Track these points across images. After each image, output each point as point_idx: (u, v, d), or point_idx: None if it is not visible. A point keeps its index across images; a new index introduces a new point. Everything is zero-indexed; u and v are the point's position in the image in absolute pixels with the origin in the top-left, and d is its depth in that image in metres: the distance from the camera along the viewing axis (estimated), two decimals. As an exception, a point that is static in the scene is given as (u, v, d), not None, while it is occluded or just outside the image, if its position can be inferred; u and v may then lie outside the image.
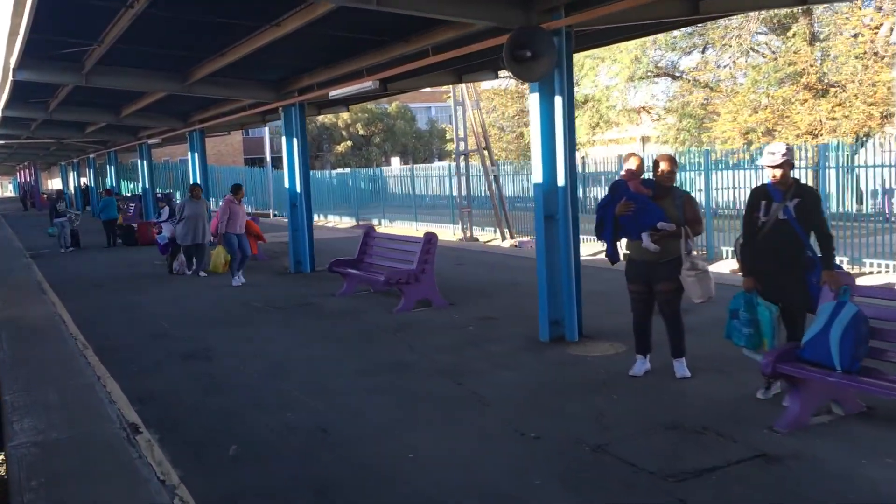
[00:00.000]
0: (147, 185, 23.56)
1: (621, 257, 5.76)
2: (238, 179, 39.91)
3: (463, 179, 23.67)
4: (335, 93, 10.32)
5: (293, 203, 12.56)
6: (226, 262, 12.05)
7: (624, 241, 5.78)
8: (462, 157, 23.40)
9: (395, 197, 30.44)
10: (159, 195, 24.57)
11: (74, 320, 9.68)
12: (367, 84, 9.38)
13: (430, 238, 8.91)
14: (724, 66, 21.46)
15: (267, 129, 36.33)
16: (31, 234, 25.25)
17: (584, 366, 6.17)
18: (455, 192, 26.10)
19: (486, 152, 22.60)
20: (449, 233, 25.32)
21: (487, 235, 23.90)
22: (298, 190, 12.47)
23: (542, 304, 6.90)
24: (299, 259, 12.56)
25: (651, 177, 5.66)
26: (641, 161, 5.68)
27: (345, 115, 52.31)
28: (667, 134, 24.29)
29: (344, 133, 53.50)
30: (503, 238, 21.89)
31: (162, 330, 8.81)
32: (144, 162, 23.43)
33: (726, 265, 15.05)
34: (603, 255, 7.00)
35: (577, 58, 24.30)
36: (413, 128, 56.69)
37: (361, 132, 53.33)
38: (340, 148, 52.82)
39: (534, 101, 6.79)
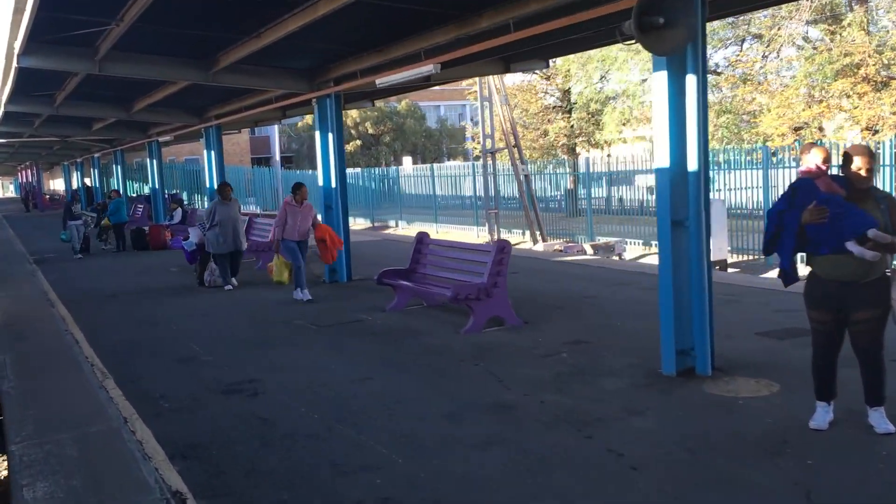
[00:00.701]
0: (157, 186, 22.32)
1: (800, 277, 4.50)
2: (244, 178, 38.72)
3: (490, 178, 22.44)
4: (385, 80, 9.07)
5: (328, 205, 11.31)
6: (288, 273, 10.29)
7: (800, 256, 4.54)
8: (489, 155, 22.16)
9: (411, 198, 29.16)
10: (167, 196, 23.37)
11: (88, 340, 8.45)
12: (426, 68, 8.13)
13: (504, 246, 7.67)
14: (772, 58, 20.19)
15: (276, 127, 35.25)
16: (35, 237, 24.04)
17: (740, 412, 4.91)
18: (479, 193, 24.93)
19: (515, 150, 21.36)
20: (472, 235, 24.07)
21: (515, 238, 22.66)
22: (334, 191, 11.23)
23: (667, 329, 5.65)
24: (334, 267, 11.31)
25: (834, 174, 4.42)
26: (828, 153, 4.43)
27: (353, 114, 51.11)
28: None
29: (353, 132, 52.24)
30: (534, 241, 20.66)
31: (191, 353, 7.57)
32: (154, 161, 22.20)
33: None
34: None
35: (609, 50, 23.08)
36: (423, 126, 55.44)
37: (371, 131, 52.09)
38: (349, 147, 51.50)
39: (659, 81, 5.54)
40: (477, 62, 10.87)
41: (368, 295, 10.11)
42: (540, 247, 19.92)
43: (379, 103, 51.71)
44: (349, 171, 35.97)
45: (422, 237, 9.12)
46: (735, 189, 16.51)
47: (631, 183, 21.90)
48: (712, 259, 15.08)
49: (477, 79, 22.24)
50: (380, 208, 29.70)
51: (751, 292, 9.23)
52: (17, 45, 9.26)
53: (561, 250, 17.03)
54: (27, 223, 32.68)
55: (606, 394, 5.43)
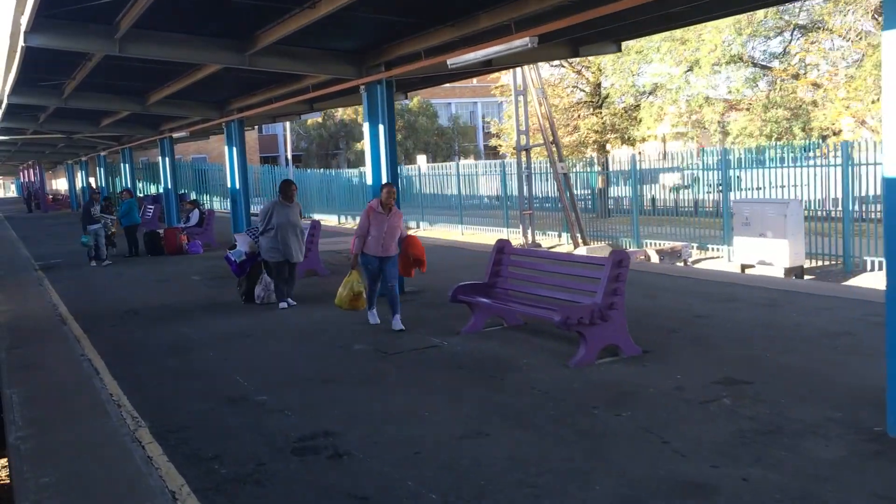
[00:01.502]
0: (169, 185, 20.93)
1: None
2: (251, 178, 37.28)
3: (524, 177, 21.03)
4: (461, 59, 7.65)
5: (378, 207, 9.90)
6: (355, 296, 7.96)
7: None
8: (523, 153, 20.76)
9: (432, 198, 27.73)
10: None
11: (111, 369, 7.07)
12: (520, 42, 6.71)
13: (621, 259, 6.26)
14: (832, 47, 18.77)
15: (288, 125, 33.85)
16: (39, 240, 22.64)
17: None
18: (508, 192, 23.54)
19: (553, 147, 19.95)
20: (501, 237, 22.75)
21: (550, 240, 21.26)
22: (385, 190, 9.83)
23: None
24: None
25: None
26: None
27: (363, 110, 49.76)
28: (747, 128, 21.57)
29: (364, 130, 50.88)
30: (575, 244, 19.26)
31: (240, 390, 6.18)
32: (166, 159, 20.81)
33: (871, 279, 12.44)
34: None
35: (649, 40, 21.66)
36: (435, 125, 54.00)
37: (382, 129, 50.57)
38: (360, 145, 50.16)
39: (890, 43, 4.13)
40: (543, 46, 9.49)
41: (431, 312, 8.70)
42: (582, 250, 18.52)
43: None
44: (362, 169, 34.63)
45: (502, 245, 7.71)
46: (791, 187, 15.21)
47: (655, 181, 20.65)
48: (788, 265, 13.87)
49: (511, 71, 20.90)
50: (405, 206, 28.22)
51: None
52: (24, 20, 7.87)
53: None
54: (30, 225, 31.28)
55: (826, 466, 4.03)
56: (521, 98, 20.66)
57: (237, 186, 15.48)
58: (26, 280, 13.78)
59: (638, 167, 18.78)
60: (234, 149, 15.43)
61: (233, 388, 6.26)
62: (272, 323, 8.71)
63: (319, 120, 50.43)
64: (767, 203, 14.03)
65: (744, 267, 14.14)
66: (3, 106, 15.06)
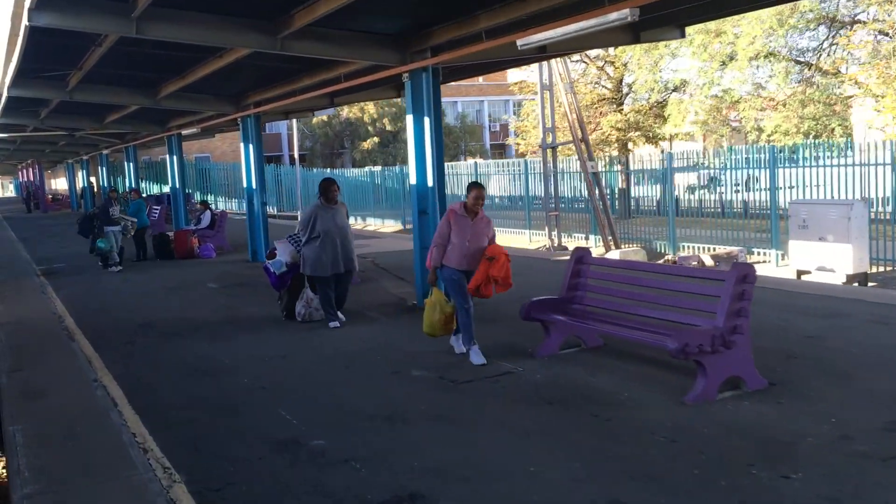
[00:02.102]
0: (177, 185, 19.86)
1: None
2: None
3: (550, 177, 19.99)
4: (534, 38, 6.60)
5: (422, 210, 8.87)
6: (447, 318, 6.62)
7: None
8: (549, 151, 19.72)
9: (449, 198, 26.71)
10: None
11: (130, 399, 6.03)
12: (617, 15, 5.67)
13: (746, 273, 5.22)
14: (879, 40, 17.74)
15: (295, 123, 32.79)
16: (40, 242, 21.58)
17: None
18: (531, 192, 22.50)
19: (583, 144, 18.91)
20: (524, 240, 21.67)
21: (578, 243, 20.22)
22: (431, 191, 8.80)
23: None
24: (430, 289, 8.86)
25: None
26: None
27: (371, 110, 48.74)
28: (781, 125, 20.53)
29: (370, 128, 49.82)
30: (606, 248, 18.21)
31: (289, 430, 5.14)
32: (174, 157, 19.73)
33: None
34: None
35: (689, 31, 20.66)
36: (442, 123, 52.90)
37: (389, 128, 49.63)
38: (366, 144, 49.18)
39: None
40: (603, 29, 8.46)
41: (492, 329, 7.64)
42: (615, 254, 17.47)
43: (397, 99, 49.76)
44: (374, 169, 33.60)
45: (582, 255, 6.67)
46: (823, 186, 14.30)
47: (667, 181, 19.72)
48: (852, 272, 12.82)
49: (537, 65, 19.86)
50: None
51: None
52: (29, -6, 6.83)
53: (673, 262, 14.51)
54: (30, 225, 30.21)
55: None
56: (546, 93, 19.63)
57: (254, 186, 14.43)
58: (27, 286, 12.73)
59: (672, 165, 17.73)
60: (251, 146, 14.37)
61: (279, 426, 5.22)
62: (313, 343, 7.58)
63: (325, 118, 49.35)
64: (829, 204, 13.01)
65: (799, 273, 13.13)
66: (3, 100, 14.00)
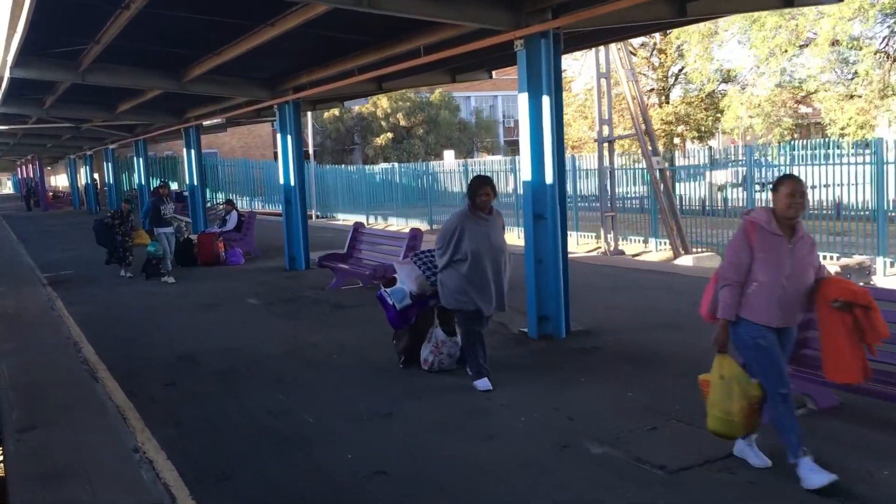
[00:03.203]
0: (195, 182, 17.98)
1: None
2: (267, 173, 34.26)
3: (607, 173, 18.15)
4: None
5: (538, 214, 7.01)
6: (752, 407, 3.96)
7: None
8: (605, 145, 17.89)
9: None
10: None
11: (192, 487, 4.20)
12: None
13: None
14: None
15: (310, 115, 30.93)
16: (43, 243, 19.68)
17: None
18: (581, 191, 20.65)
19: (647, 138, 17.07)
20: (572, 243, 19.75)
21: (635, 247, 18.34)
22: (549, 188, 6.95)
23: None
24: (547, 314, 7.03)
25: None
26: None
27: (384, 104, 46.85)
28: (853, 118, 18.66)
29: (383, 124, 47.91)
30: (675, 253, 16.36)
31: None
32: (192, 151, 17.86)
33: None
34: None
35: (751, 16, 18.80)
36: (457, 118, 51.06)
37: (403, 123, 47.77)
38: (380, 140, 47.27)
39: None
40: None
41: (642, 375, 5.79)
42: (687, 260, 15.66)
43: (410, 93, 47.86)
44: (385, 166, 31.65)
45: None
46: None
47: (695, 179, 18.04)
48: None
49: (594, 49, 18.02)
50: (438, 206, 25.30)
51: None
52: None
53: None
54: (31, 225, 28.29)
55: None
56: (603, 81, 17.77)
57: (292, 183, 12.55)
58: (33, 300, 10.87)
59: (754, 159, 15.86)
60: (289, 137, 12.49)
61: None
62: (454, 407, 5.41)
63: (336, 113, 47.39)
64: None
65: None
66: (5, 82, 12.13)
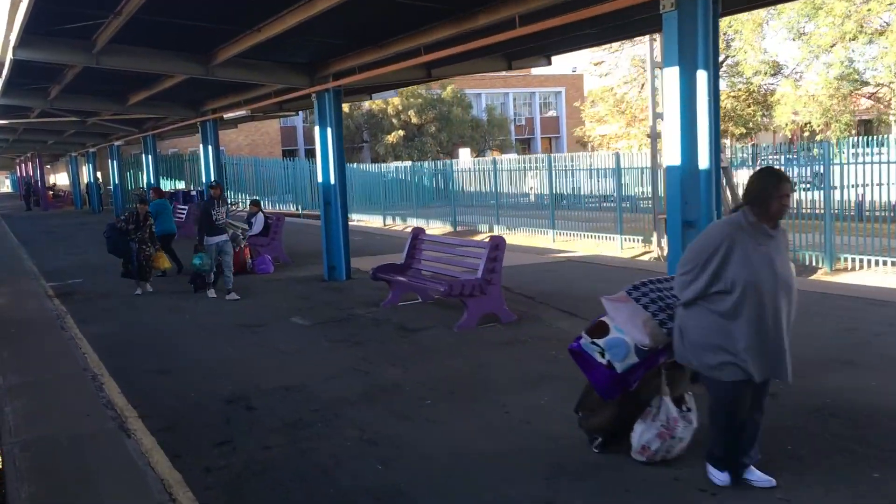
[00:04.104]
0: (213, 181, 16.43)
1: None
2: (278, 171, 32.72)
3: (658, 172, 16.72)
4: None
5: (688, 222, 5.54)
6: None
7: None
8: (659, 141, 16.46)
9: (504, 196, 23.22)
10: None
11: None
12: None
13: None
14: None
15: (307, 113, 29.44)
16: (45, 246, 18.17)
17: None
18: (619, 191, 19.19)
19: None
20: (614, 247, 18.25)
21: (689, 252, 16.91)
22: (706, 188, 5.49)
23: None
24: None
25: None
26: None
27: (395, 101, 45.35)
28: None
29: (394, 121, 46.44)
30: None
31: None
32: (209, 147, 16.37)
33: None
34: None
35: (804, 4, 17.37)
36: (469, 115, 49.62)
37: (414, 120, 46.33)
38: (391, 138, 45.80)
39: None
40: None
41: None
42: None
43: (422, 90, 46.30)
44: (396, 164, 30.12)
45: None
46: None
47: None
48: None
49: (647, 37, 16.60)
50: (462, 206, 23.81)
51: None
52: None
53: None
54: (31, 225, 26.76)
55: None
56: (657, 71, 16.32)
57: (332, 182, 11.06)
58: (39, 316, 9.39)
59: (832, 157, 14.37)
60: (329, 129, 11.01)
61: None
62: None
63: (346, 109, 45.93)
64: None
65: None
66: (6, 69, 10.65)
